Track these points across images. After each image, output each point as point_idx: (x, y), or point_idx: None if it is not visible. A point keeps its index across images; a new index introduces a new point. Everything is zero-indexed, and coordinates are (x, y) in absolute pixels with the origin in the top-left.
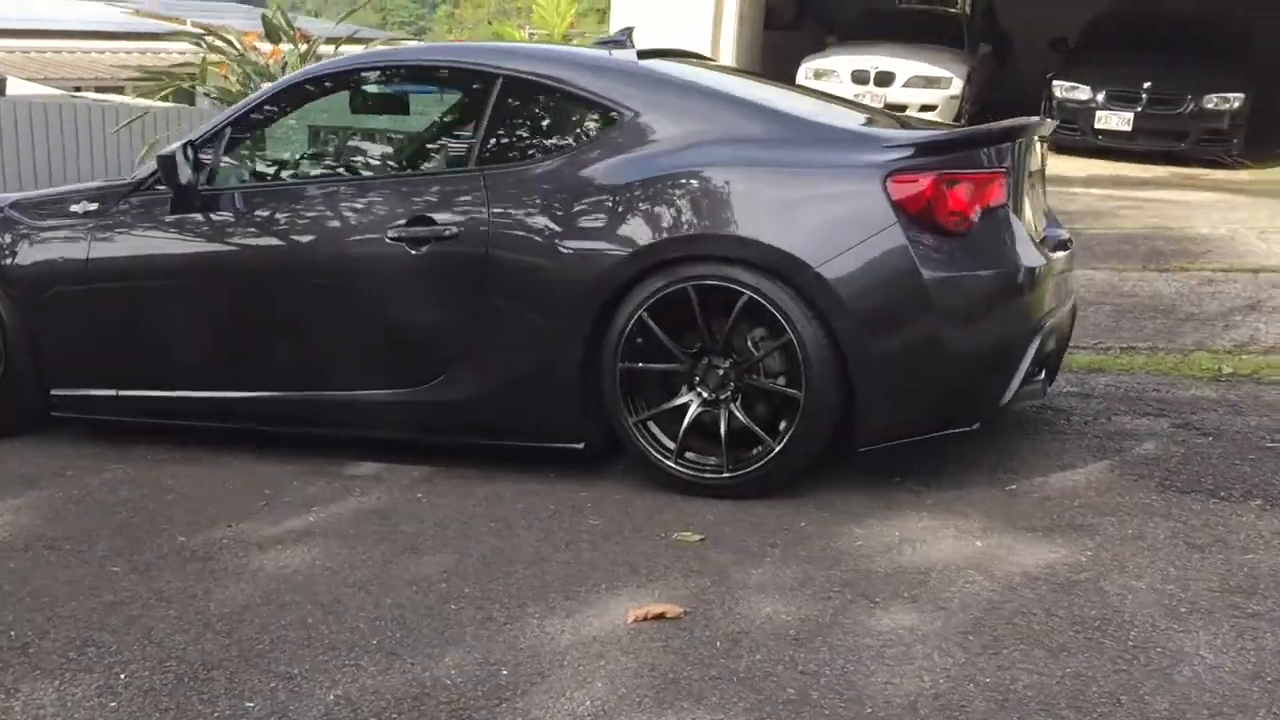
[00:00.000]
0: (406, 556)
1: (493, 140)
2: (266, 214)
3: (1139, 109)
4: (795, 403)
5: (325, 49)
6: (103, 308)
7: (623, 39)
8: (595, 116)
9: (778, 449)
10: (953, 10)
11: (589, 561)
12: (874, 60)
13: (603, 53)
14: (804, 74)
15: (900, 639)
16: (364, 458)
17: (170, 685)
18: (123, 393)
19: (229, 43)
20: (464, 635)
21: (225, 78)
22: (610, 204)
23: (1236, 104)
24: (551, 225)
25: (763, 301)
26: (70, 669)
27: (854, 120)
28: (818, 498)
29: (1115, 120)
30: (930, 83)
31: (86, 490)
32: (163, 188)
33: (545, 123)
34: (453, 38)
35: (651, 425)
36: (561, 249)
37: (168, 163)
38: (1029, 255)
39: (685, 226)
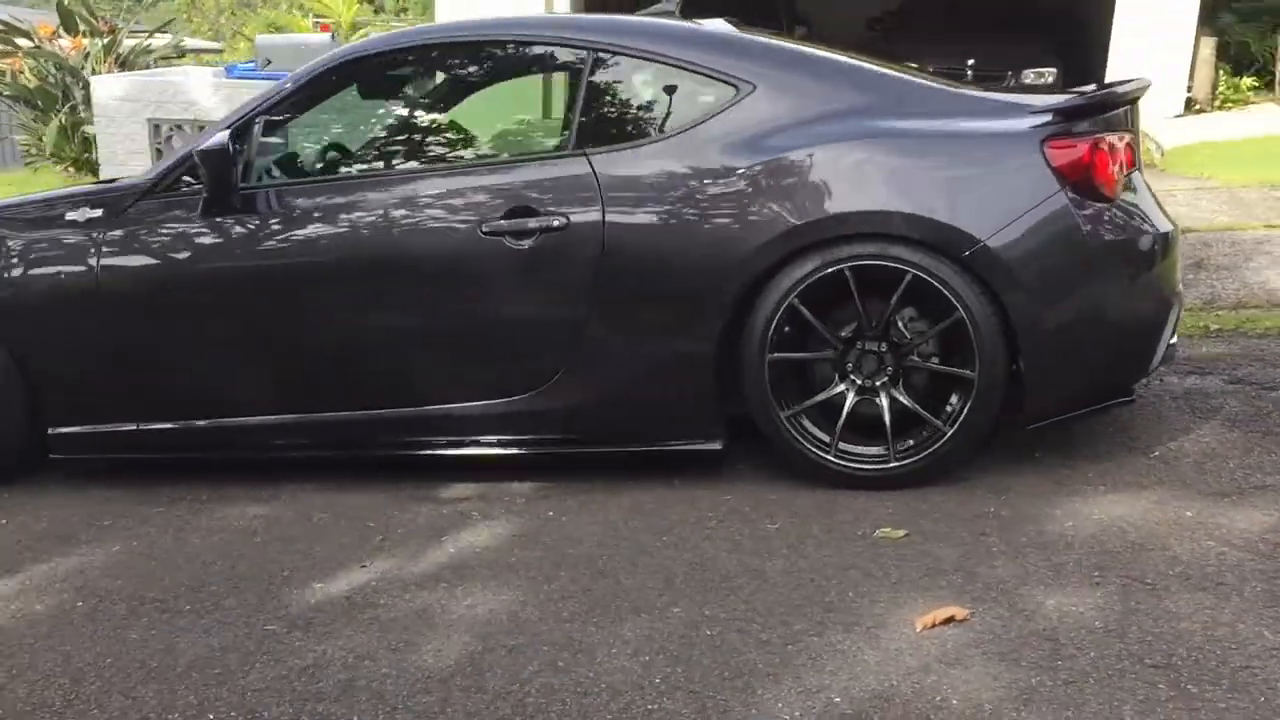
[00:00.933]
0: (600, 582)
1: (592, 120)
2: (321, 211)
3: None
4: (961, 383)
5: (129, 41)
6: (120, 329)
7: (671, 8)
8: (709, 92)
9: (950, 432)
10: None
11: (810, 569)
12: None
13: (697, 24)
14: None
15: (1214, 619)
16: (444, 480)
17: None
18: (145, 426)
19: (24, 35)
20: (753, 663)
21: (21, 73)
22: (745, 184)
23: (1050, 78)
24: (678, 210)
25: (929, 280)
26: None
27: (981, 89)
28: (980, 481)
29: None
30: None
31: (149, 542)
32: (189, 187)
33: (650, 99)
34: (193, 27)
35: (803, 418)
36: (692, 235)
37: (217, 157)
38: (1164, 219)
39: (837, 204)
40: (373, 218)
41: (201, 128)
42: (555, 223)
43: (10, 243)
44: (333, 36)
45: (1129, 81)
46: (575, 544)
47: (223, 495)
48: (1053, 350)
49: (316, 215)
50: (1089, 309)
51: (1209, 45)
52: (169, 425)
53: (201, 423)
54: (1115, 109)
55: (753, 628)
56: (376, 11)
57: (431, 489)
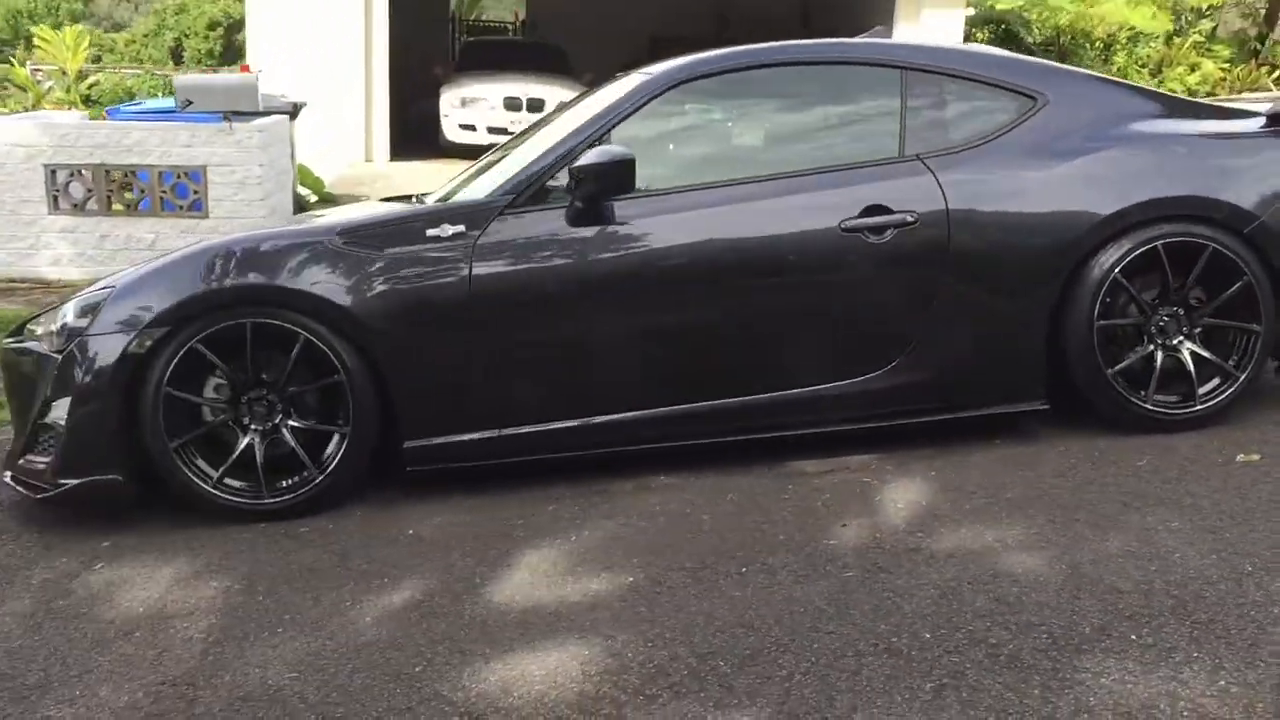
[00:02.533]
0: (1090, 532)
1: (917, 129)
2: (689, 216)
3: None
4: (1249, 335)
5: None
6: (489, 338)
7: (885, 32)
8: (1010, 103)
9: (1243, 377)
10: (550, 41)
11: (1226, 488)
12: (522, 88)
13: (983, 47)
14: (449, 101)
15: None
16: (806, 457)
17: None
18: (505, 431)
19: None
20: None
21: None
22: (1064, 178)
23: None
24: (1010, 203)
25: (1224, 251)
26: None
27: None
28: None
29: None
30: None
31: (636, 522)
32: (556, 197)
33: (963, 110)
34: None
35: (1119, 376)
36: (1024, 224)
37: (624, 168)
38: None
39: (1147, 192)
40: (738, 220)
41: (108, 172)
42: (908, 219)
43: (372, 261)
44: (258, 76)
45: None
46: (1041, 483)
47: (628, 486)
48: None
49: (686, 220)
50: None
51: None
52: (536, 429)
53: (571, 423)
54: None
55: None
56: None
57: (801, 464)
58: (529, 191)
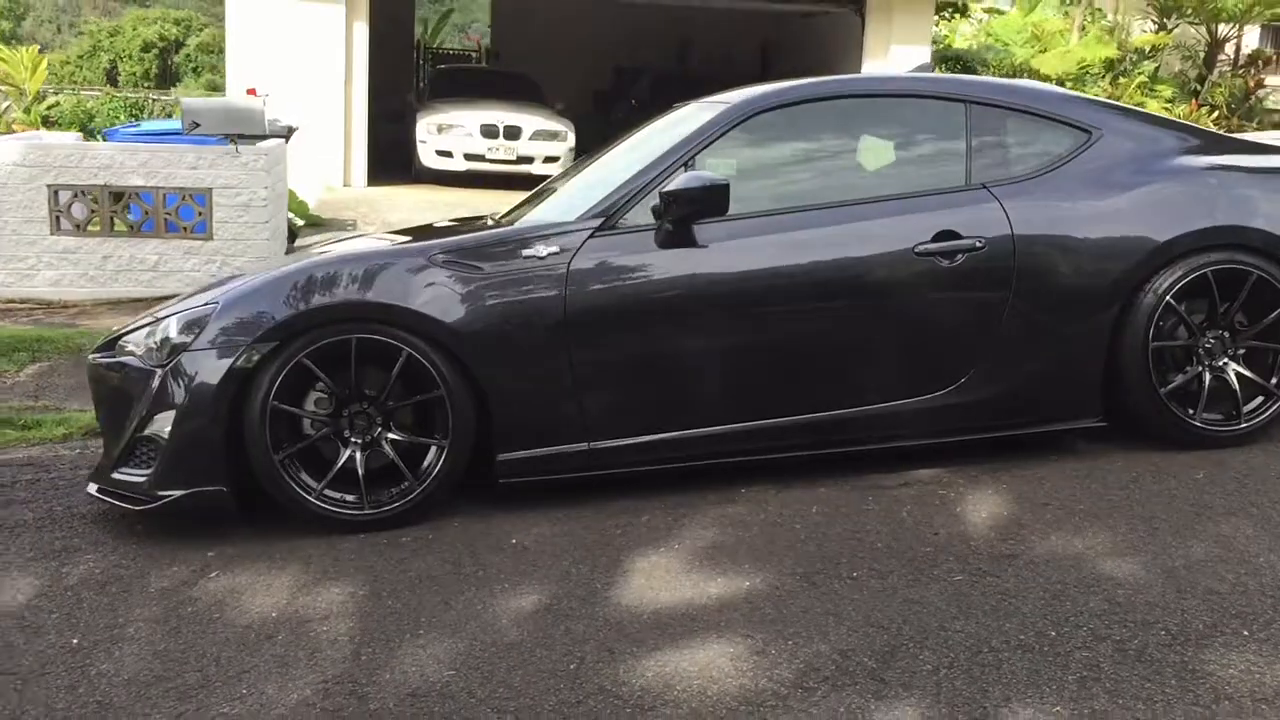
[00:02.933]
0: (1173, 539)
1: (981, 158)
2: (773, 240)
3: None
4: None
5: None
6: (582, 354)
7: (929, 66)
8: (1066, 136)
9: None
10: (522, 70)
11: None
12: (498, 115)
13: (1036, 83)
14: (426, 128)
15: None
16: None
17: None
18: (595, 445)
19: None
20: None
21: None
22: (1120, 208)
23: None
24: (1072, 231)
25: (1268, 278)
26: None
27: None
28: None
29: None
30: (552, 135)
31: (768, 527)
32: (647, 220)
33: (1023, 141)
34: None
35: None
36: (1085, 251)
37: (719, 192)
38: None
39: (1197, 222)
40: (818, 243)
41: (112, 193)
42: (977, 244)
43: (472, 280)
44: (264, 100)
45: None
46: (1122, 491)
47: (712, 498)
48: None
49: (768, 244)
50: None
51: None
52: (624, 442)
53: (658, 437)
54: None
55: None
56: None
57: (874, 478)
58: (618, 214)
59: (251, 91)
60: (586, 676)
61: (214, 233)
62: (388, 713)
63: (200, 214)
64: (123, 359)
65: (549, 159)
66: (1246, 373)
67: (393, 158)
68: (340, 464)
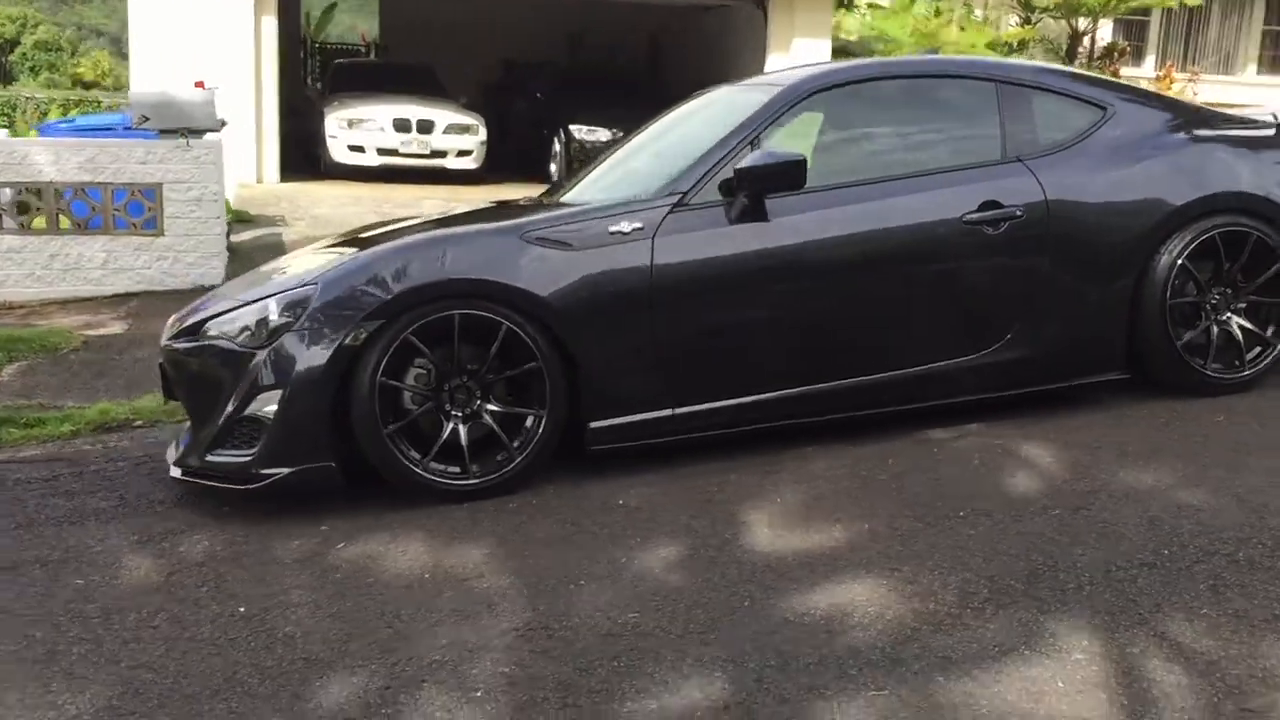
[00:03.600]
0: (1226, 473)
1: (1013, 133)
2: (836, 213)
3: None
4: None
5: None
6: (666, 323)
7: (934, 51)
8: (1084, 112)
9: None
10: (423, 63)
11: None
12: (410, 110)
13: (1052, 65)
14: (336, 123)
15: None
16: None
17: None
18: (677, 411)
19: None
20: None
21: None
22: (1138, 178)
23: None
24: (1098, 199)
25: (1264, 238)
26: None
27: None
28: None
29: None
30: (464, 129)
31: (859, 477)
32: (717, 197)
33: (1048, 117)
34: None
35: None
36: (1110, 215)
37: (796, 167)
38: None
39: (1206, 189)
40: (878, 214)
41: (57, 190)
42: (1016, 212)
43: (563, 256)
44: (213, 92)
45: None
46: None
47: (788, 457)
48: None
49: (832, 216)
50: None
51: None
52: (704, 406)
53: (735, 401)
54: None
55: None
56: None
57: (929, 433)
58: (693, 191)
59: (200, 84)
60: (765, 610)
61: (165, 228)
62: (595, 650)
63: (150, 209)
64: (211, 344)
65: (462, 152)
66: (1248, 324)
67: (292, 153)
68: (445, 436)
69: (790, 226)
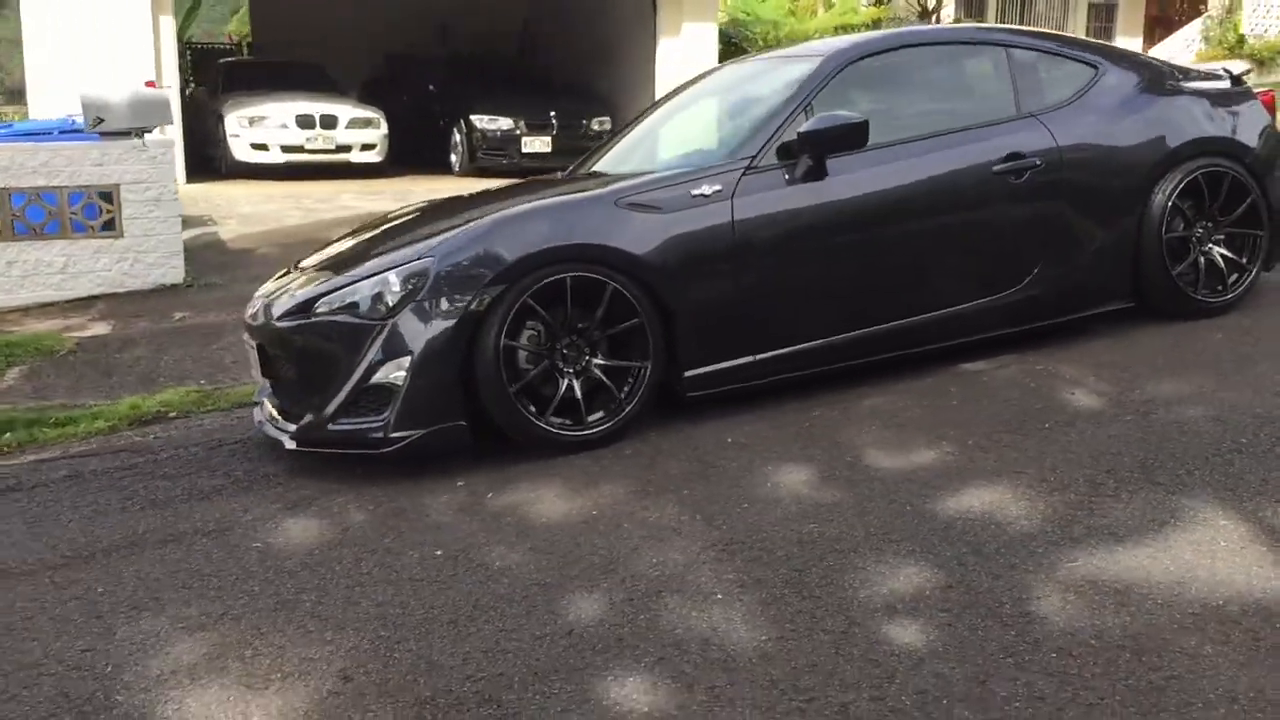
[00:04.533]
0: (1241, 379)
1: (1024, 91)
2: (886, 169)
3: (554, 133)
4: (1255, 238)
5: None
6: (746, 277)
7: (956, 16)
8: (1080, 70)
9: (1255, 270)
10: (313, 61)
11: None
12: (310, 106)
13: (1047, 30)
14: (236, 122)
15: None
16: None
17: None
18: (759, 356)
19: None
20: None
21: None
22: (1134, 126)
23: (609, 124)
24: (1102, 147)
25: (1238, 176)
26: None
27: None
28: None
29: (538, 144)
30: (367, 123)
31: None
32: (780, 160)
33: (1051, 76)
34: None
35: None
36: (1113, 160)
37: (858, 129)
38: None
39: (1191, 134)
40: (921, 169)
41: (10, 195)
42: (1036, 162)
43: (654, 219)
44: (166, 90)
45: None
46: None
47: (850, 396)
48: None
49: (884, 172)
50: None
51: None
52: (781, 352)
53: (795, 348)
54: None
55: None
56: None
57: (968, 365)
58: (761, 155)
59: (151, 84)
60: (928, 513)
61: (124, 229)
62: (798, 556)
63: (108, 211)
64: (325, 319)
65: (366, 146)
66: (1228, 253)
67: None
68: (562, 391)
69: (849, 183)
